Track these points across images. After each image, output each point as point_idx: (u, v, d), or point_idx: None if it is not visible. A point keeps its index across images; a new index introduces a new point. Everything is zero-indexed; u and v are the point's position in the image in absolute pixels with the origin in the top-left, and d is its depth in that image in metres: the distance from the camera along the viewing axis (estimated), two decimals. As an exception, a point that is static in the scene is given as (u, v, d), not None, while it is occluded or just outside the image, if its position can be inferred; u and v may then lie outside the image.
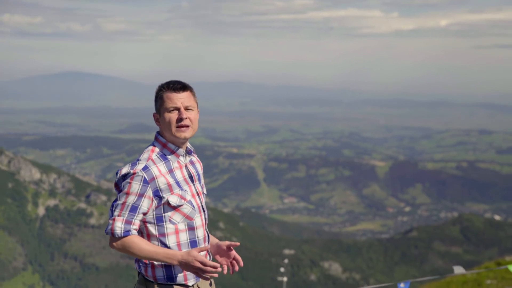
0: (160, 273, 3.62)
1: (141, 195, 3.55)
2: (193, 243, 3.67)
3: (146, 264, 3.64)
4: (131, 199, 3.55)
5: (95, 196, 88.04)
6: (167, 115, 3.65)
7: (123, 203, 3.55)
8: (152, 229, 3.62)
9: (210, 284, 3.80)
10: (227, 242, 3.81)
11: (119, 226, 3.54)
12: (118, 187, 3.62)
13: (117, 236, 3.55)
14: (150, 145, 3.75)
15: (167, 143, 3.70)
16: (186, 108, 3.68)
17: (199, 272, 3.49)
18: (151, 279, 3.64)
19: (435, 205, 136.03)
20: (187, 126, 3.65)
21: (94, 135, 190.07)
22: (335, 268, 76.41)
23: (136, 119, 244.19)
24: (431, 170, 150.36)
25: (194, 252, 3.49)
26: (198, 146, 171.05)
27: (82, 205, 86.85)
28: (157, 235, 3.62)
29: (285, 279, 52.67)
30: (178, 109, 3.66)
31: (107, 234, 3.61)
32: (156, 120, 3.73)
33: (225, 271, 3.78)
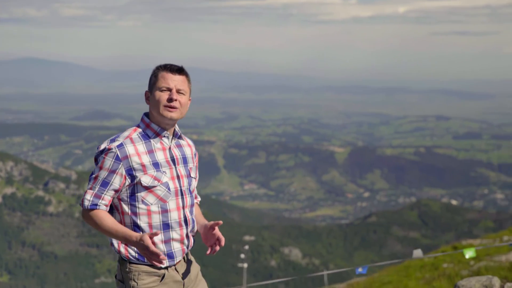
0: (132, 251, 3.62)
1: (112, 171, 3.57)
2: (166, 226, 3.65)
3: (119, 242, 3.64)
4: (103, 174, 3.57)
5: (53, 183, 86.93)
6: (158, 94, 3.63)
7: (96, 177, 3.59)
8: (126, 207, 3.64)
9: (190, 265, 3.81)
10: (211, 222, 3.81)
11: (88, 198, 3.57)
12: (95, 161, 3.65)
13: (84, 208, 3.59)
14: (135, 125, 3.75)
15: (150, 123, 3.69)
16: (178, 91, 3.66)
17: (147, 257, 3.46)
18: (124, 257, 3.64)
19: (394, 191, 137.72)
20: (175, 108, 3.63)
21: (52, 122, 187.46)
22: (295, 253, 76.91)
23: (94, 106, 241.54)
24: (389, 156, 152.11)
25: (145, 236, 3.44)
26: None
27: (40, 193, 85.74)
28: (130, 214, 3.63)
29: (245, 265, 52.79)
30: (170, 89, 3.64)
31: (80, 205, 3.66)
32: (147, 98, 3.71)
33: (208, 253, 3.78)
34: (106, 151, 3.58)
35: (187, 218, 3.74)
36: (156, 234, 3.45)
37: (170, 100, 3.62)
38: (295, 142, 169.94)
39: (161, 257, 3.43)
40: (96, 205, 3.57)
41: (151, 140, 3.67)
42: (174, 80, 3.65)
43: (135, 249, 3.59)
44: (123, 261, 3.65)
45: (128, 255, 3.62)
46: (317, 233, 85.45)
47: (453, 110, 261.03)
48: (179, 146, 3.79)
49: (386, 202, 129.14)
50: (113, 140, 3.63)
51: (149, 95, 3.68)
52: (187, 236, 3.74)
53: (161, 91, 3.63)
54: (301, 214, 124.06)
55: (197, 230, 3.89)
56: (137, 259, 3.61)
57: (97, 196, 3.58)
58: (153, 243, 3.48)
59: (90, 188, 3.59)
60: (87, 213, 3.61)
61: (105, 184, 3.57)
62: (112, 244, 3.70)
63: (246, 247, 72.86)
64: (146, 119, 3.71)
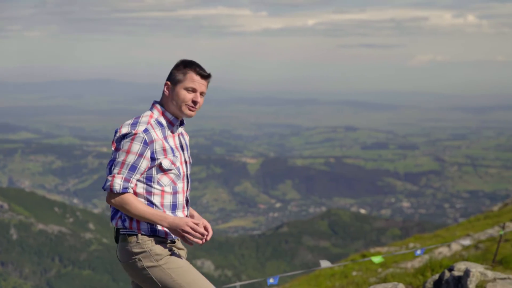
0: (144, 226, 3.86)
1: (140, 155, 3.79)
2: (174, 206, 3.96)
3: (131, 217, 3.85)
4: (131, 158, 3.77)
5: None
6: (183, 92, 3.91)
7: (123, 162, 3.77)
8: (141, 187, 3.86)
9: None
10: (205, 222, 4.05)
11: (118, 182, 3.75)
12: (116, 146, 3.84)
13: (115, 192, 3.76)
14: (148, 111, 3.99)
15: (165, 111, 3.96)
16: (201, 94, 3.99)
17: (186, 236, 3.78)
18: (135, 231, 3.87)
19: (305, 201, 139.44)
20: (196, 109, 3.99)
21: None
22: (207, 265, 76.64)
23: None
24: (300, 166, 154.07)
25: (187, 218, 3.81)
26: (66, 145, 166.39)
27: None
28: (144, 193, 3.86)
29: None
30: (195, 91, 3.94)
31: (105, 190, 3.80)
32: (167, 89, 3.96)
33: (200, 242, 3.96)
34: (132, 135, 3.79)
35: (188, 201, 4.14)
36: (197, 222, 3.84)
37: (194, 102, 3.94)
38: (207, 153, 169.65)
39: (205, 237, 3.84)
40: (127, 188, 3.77)
41: (165, 127, 3.94)
42: (201, 84, 3.97)
43: (147, 225, 3.86)
44: (131, 235, 3.86)
45: (140, 229, 3.86)
46: (230, 244, 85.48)
47: (361, 121, 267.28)
48: (182, 134, 4.13)
49: (297, 212, 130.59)
50: (135, 125, 3.85)
51: (170, 87, 3.95)
52: (186, 216, 4.06)
53: (187, 90, 3.92)
54: (213, 225, 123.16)
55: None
56: (149, 232, 3.87)
57: (127, 180, 3.77)
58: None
59: (119, 173, 3.76)
60: (117, 197, 3.77)
61: (133, 168, 3.78)
62: (122, 221, 3.88)
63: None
64: (160, 107, 3.97)
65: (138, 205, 3.77)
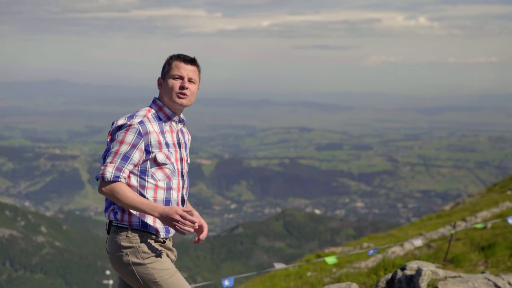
0: (136, 219, 3.85)
1: (133, 146, 3.80)
2: (167, 202, 3.91)
3: (123, 210, 3.84)
4: (124, 148, 3.80)
5: None
6: (171, 81, 3.95)
7: (116, 151, 3.80)
8: (134, 180, 3.85)
9: (173, 246, 4.06)
10: (202, 221, 4.05)
11: (109, 171, 3.75)
12: (111, 137, 3.88)
13: (106, 180, 3.75)
14: (147, 106, 4.05)
15: (163, 106, 4.00)
16: (189, 80, 3.98)
17: (177, 225, 3.70)
18: (126, 224, 3.85)
19: (260, 202, 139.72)
20: (186, 95, 3.97)
21: None
22: (162, 267, 76.17)
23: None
24: (255, 167, 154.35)
25: (177, 206, 3.77)
26: (17, 147, 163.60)
27: None
28: (138, 187, 3.85)
29: (110, 281, 51.79)
30: (182, 78, 3.95)
31: (97, 179, 3.79)
32: (159, 84, 4.03)
33: (191, 230, 3.90)
34: (127, 126, 3.84)
35: (184, 199, 4.03)
36: (188, 210, 3.75)
37: (182, 87, 3.94)
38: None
39: (195, 224, 3.74)
40: (118, 177, 3.76)
41: (163, 122, 3.96)
42: (187, 69, 3.96)
43: (139, 219, 3.84)
44: (122, 229, 3.85)
45: (131, 222, 3.84)
46: (185, 246, 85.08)
47: (315, 121, 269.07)
48: (181, 132, 4.09)
49: (253, 213, 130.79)
50: (131, 117, 3.91)
51: (162, 82, 4.01)
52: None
53: (174, 79, 3.95)
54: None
55: None
56: (140, 227, 3.85)
57: (119, 169, 3.77)
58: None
59: (111, 162, 3.77)
60: (108, 185, 3.76)
61: (126, 158, 3.79)
62: (114, 214, 3.87)
63: (112, 263, 71.41)
64: (159, 102, 4.02)
65: (129, 193, 3.74)
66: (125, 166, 3.79)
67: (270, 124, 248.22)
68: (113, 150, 3.81)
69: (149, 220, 3.87)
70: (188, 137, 4.18)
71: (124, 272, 3.88)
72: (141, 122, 3.87)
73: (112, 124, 3.96)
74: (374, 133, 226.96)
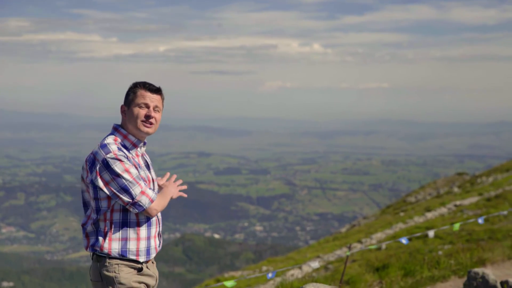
0: (115, 246, 3.88)
1: (133, 166, 3.89)
2: (149, 224, 4.01)
3: (103, 238, 3.89)
4: (134, 171, 3.84)
5: None
6: (137, 109, 3.97)
7: (133, 178, 3.82)
8: (117, 206, 3.89)
9: (155, 266, 4.22)
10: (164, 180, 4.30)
11: (150, 194, 3.86)
12: (103, 177, 3.82)
13: (154, 201, 3.90)
14: (110, 135, 4.06)
15: (128, 135, 4.02)
16: (155, 108, 4.02)
17: (180, 194, 4.22)
18: (106, 252, 3.88)
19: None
20: (152, 124, 4.04)
21: None
22: (58, 298, 73.90)
23: None
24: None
25: (171, 186, 4.14)
26: None
27: None
28: (121, 211, 3.88)
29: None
30: (148, 106, 3.98)
31: (145, 209, 3.86)
32: (122, 112, 4.06)
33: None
34: (114, 158, 3.82)
35: (159, 218, 4.14)
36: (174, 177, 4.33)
37: (148, 117, 3.99)
38: (56, 181, 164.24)
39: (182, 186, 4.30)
40: (150, 195, 3.90)
41: (129, 149, 4.00)
42: (152, 99, 3.99)
43: (119, 245, 3.87)
44: (101, 258, 3.88)
45: (111, 250, 3.87)
46: (81, 274, 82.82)
47: (213, 146, 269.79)
48: (144, 154, 4.17)
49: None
50: (105, 147, 3.90)
51: (126, 109, 4.03)
52: (159, 234, 4.19)
53: (140, 107, 3.98)
54: (64, 255, 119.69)
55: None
56: (119, 254, 3.88)
57: (142, 192, 3.86)
58: (138, 238, 3.93)
59: (140, 187, 3.83)
60: (153, 205, 3.91)
61: (139, 178, 3.87)
62: (90, 244, 3.93)
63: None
64: (123, 131, 4.04)
65: (161, 200, 3.99)
66: (142, 183, 3.87)
67: (168, 149, 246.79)
68: (129, 179, 3.81)
69: (131, 245, 3.93)
70: (148, 158, 4.25)
71: None
72: (119, 149, 3.91)
73: (92, 163, 3.90)
74: (271, 158, 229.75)
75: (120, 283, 3.85)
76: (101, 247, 3.88)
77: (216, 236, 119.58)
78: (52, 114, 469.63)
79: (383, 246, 16.71)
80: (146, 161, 4.12)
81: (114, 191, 3.81)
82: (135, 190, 3.81)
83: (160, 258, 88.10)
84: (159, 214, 4.12)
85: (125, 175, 3.80)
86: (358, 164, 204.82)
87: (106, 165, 3.81)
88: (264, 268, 21.51)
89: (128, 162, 3.85)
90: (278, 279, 13.86)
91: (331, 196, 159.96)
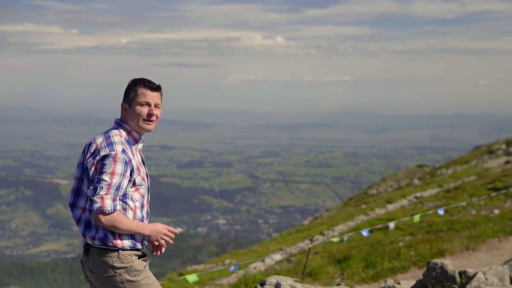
0: (127, 242, 4.08)
1: (123, 175, 3.95)
2: (142, 219, 4.20)
3: (113, 235, 4.05)
4: (116, 179, 3.92)
5: None
6: (138, 108, 4.09)
7: (110, 183, 3.91)
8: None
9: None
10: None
11: (109, 203, 3.89)
12: (97, 168, 3.95)
13: (107, 213, 3.91)
14: (114, 129, 4.14)
15: (131, 131, 4.15)
16: (156, 106, 4.16)
17: (165, 238, 4.23)
18: (118, 246, 4.06)
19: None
20: (153, 121, 4.17)
21: None
22: (18, 293, 73.02)
23: None
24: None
25: (158, 223, 4.19)
26: None
27: None
28: (121, 209, 4.02)
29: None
30: (149, 105, 4.11)
31: (95, 212, 3.92)
32: (123, 109, 4.16)
33: (171, 242, 4.43)
34: (113, 156, 3.94)
35: (148, 211, 4.32)
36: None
37: (150, 115, 4.12)
38: (15, 175, 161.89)
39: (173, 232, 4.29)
40: (115, 207, 3.93)
41: (132, 145, 4.15)
42: (153, 96, 4.13)
43: (129, 239, 4.08)
44: (113, 251, 4.05)
45: (124, 245, 4.06)
46: (41, 269, 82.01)
47: (176, 139, 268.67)
48: (140, 150, 4.29)
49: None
50: (111, 145, 4.00)
51: (127, 107, 4.15)
52: None
53: (142, 106, 4.10)
54: (23, 251, 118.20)
55: None
56: (130, 247, 4.10)
57: (114, 200, 3.92)
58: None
59: (107, 194, 3.89)
60: (108, 216, 3.92)
61: (118, 187, 3.93)
62: (98, 237, 4.06)
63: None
64: (127, 127, 4.16)
65: (126, 220, 3.99)
66: (118, 195, 3.96)
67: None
68: (106, 181, 3.90)
69: (136, 238, 4.15)
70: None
71: None
72: (123, 151, 4.01)
73: (87, 150, 4.06)
74: (234, 150, 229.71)
75: (136, 270, 4.12)
76: (114, 243, 4.07)
77: (179, 229, 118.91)
78: (11, 106, 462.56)
79: (345, 238, 16.85)
80: (142, 157, 4.28)
81: (94, 180, 3.98)
82: (101, 191, 3.92)
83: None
84: (147, 208, 4.28)
85: (106, 175, 3.92)
86: (320, 157, 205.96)
87: (104, 161, 3.96)
88: (227, 261, 21.53)
89: (122, 166, 3.97)
90: (241, 272, 13.88)
91: (294, 189, 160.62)
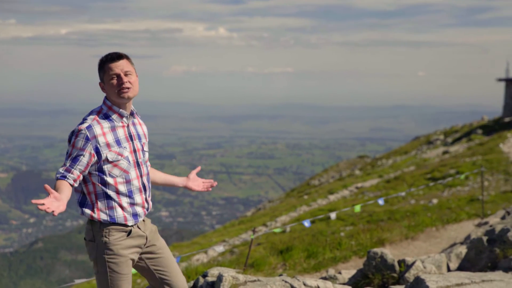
0: (104, 215, 4.19)
1: (82, 149, 4.09)
2: (130, 192, 4.25)
3: (92, 208, 4.22)
4: (74, 152, 4.10)
5: None
6: (110, 82, 4.18)
7: (69, 155, 4.11)
8: (96, 179, 4.17)
9: (149, 224, 4.48)
10: (192, 173, 5.00)
11: (59, 171, 4.10)
12: (68, 142, 4.17)
13: (55, 178, 4.11)
14: (98, 107, 4.27)
15: (112, 106, 4.22)
16: (125, 73, 4.20)
17: (42, 208, 3.91)
18: (96, 220, 4.20)
19: (61, 214, 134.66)
20: (128, 88, 4.18)
21: None
22: (-46, 289, 71.31)
23: None
24: (54, 179, 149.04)
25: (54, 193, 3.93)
26: None
27: None
28: (100, 184, 4.17)
29: None
30: (118, 75, 4.17)
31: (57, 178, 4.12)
32: (102, 88, 4.26)
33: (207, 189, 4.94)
34: (76, 132, 4.12)
35: (145, 185, 4.35)
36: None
37: (121, 84, 4.15)
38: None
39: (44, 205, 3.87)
40: (65, 177, 4.08)
41: (113, 120, 4.21)
42: (118, 66, 4.18)
43: (107, 212, 4.19)
44: (94, 222, 4.22)
45: (100, 218, 4.18)
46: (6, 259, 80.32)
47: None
48: (134, 124, 4.38)
49: (54, 227, 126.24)
50: (82, 122, 4.17)
51: (103, 85, 4.24)
52: (146, 200, 4.36)
53: (112, 79, 4.17)
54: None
55: (184, 186, 4.92)
56: (108, 221, 4.18)
57: (67, 170, 4.09)
58: (122, 206, 4.20)
59: (64, 164, 4.12)
60: (56, 182, 4.09)
61: (75, 160, 4.09)
62: (82, 211, 4.26)
63: None
64: (108, 102, 4.24)
65: (64, 191, 4.01)
66: (74, 168, 4.09)
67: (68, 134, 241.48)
68: (67, 154, 4.14)
69: (117, 212, 4.21)
70: (142, 127, 4.49)
71: (90, 257, 4.29)
72: (89, 127, 4.13)
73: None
74: (177, 142, 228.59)
75: (109, 249, 4.17)
76: (91, 217, 4.21)
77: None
78: None
79: (288, 229, 16.95)
80: (130, 132, 4.32)
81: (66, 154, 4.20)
82: (64, 163, 4.14)
83: (63, 246, 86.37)
84: (145, 181, 4.36)
85: (69, 149, 4.14)
86: (263, 148, 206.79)
87: (71, 134, 4.18)
88: (176, 253, 21.40)
89: (82, 141, 4.10)
90: (184, 264, 13.83)
91: (237, 180, 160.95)
